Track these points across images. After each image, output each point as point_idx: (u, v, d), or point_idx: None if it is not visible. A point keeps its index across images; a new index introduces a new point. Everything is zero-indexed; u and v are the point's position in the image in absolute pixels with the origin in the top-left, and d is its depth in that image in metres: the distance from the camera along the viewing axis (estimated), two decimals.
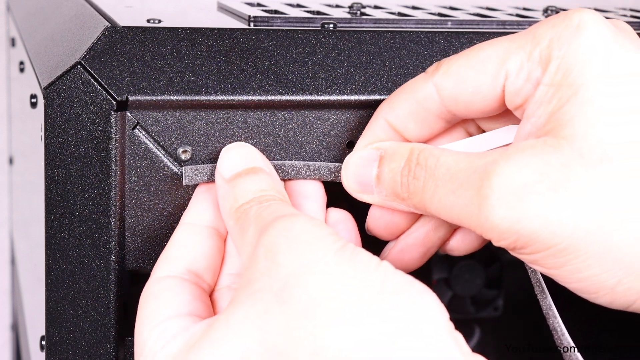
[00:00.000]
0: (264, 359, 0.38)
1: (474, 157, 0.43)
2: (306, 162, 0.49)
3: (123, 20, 0.50)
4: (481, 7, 0.65)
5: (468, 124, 0.49)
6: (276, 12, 0.57)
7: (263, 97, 0.48)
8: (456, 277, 0.78)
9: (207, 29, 0.49)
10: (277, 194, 0.44)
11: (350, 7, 0.59)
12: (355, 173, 0.47)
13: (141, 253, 0.48)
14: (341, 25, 0.52)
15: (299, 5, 0.61)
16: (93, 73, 0.46)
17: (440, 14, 0.60)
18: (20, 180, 0.81)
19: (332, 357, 0.37)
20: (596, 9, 0.65)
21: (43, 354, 0.50)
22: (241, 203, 0.44)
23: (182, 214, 0.48)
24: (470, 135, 0.49)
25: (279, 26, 0.52)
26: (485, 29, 0.55)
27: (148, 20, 0.50)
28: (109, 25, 0.48)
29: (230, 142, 0.48)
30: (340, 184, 0.49)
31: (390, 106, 0.47)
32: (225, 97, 0.47)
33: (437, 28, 0.55)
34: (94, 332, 0.48)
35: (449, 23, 0.56)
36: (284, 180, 0.49)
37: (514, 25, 0.58)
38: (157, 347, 0.42)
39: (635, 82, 0.42)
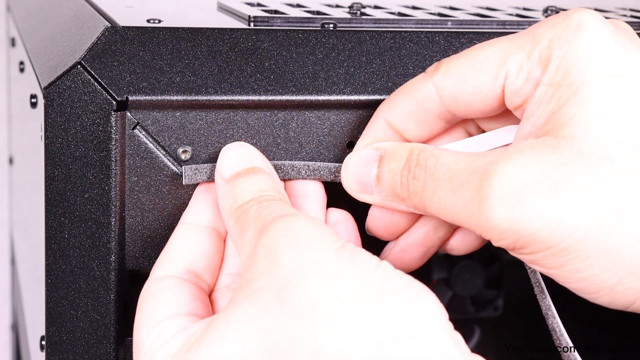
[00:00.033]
0: (263, 359, 0.38)
1: (473, 157, 0.43)
2: (306, 162, 0.49)
3: (123, 20, 0.50)
4: (481, 7, 0.65)
5: (468, 124, 0.49)
6: (276, 12, 0.57)
7: (263, 97, 0.48)
8: (456, 277, 0.78)
9: (207, 29, 0.49)
10: (277, 194, 0.44)
11: (350, 7, 0.59)
12: (355, 173, 0.47)
13: (141, 253, 0.48)
14: (341, 25, 0.52)
15: (299, 5, 0.61)
16: (93, 73, 0.46)
17: (440, 14, 0.60)
18: (20, 180, 0.81)
19: (332, 357, 0.37)
20: (596, 9, 0.65)
21: (43, 354, 0.50)
22: (241, 203, 0.44)
23: (182, 214, 0.48)
24: (470, 135, 0.49)
25: (279, 26, 0.52)
26: (485, 29, 0.55)
27: (148, 20, 0.50)
28: (109, 25, 0.48)
29: (230, 142, 0.48)
30: (340, 184, 0.49)
31: (390, 106, 0.47)
32: (225, 97, 0.47)
33: (437, 28, 0.55)
34: (94, 332, 0.48)
35: (449, 23, 0.56)
36: (284, 180, 0.49)
37: (514, 25, 0.58)
38: (156, 347, 0.42)
39: (635, 82, 0.42)
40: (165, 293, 0.44)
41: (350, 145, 0.50)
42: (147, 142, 0.47)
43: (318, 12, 0.57)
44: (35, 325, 0.60)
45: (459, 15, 0.59)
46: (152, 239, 0.48)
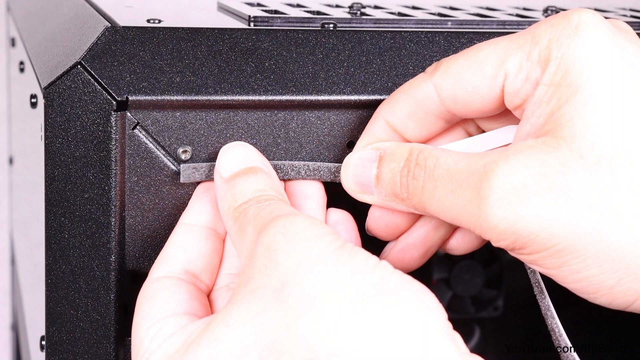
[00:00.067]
0: (262, 357, 0.38)
1: (473, 158, 0.43)
2: (306, 162, 0.49)
3: (123, 20, 0.50)
4: (481, 7, 0.65)
5: (467, 124, 0.49)
6: (276, 12, 0.57)
7: (263, 97, 0.48)
8: (456, 277, 0.78)
9: (207, 29, 0.49)
10: (276, 193, 0.44)
11: (350, 7, 0.59)
12: (354, 173, 0.47)
13: (141, 253, 0.48)
14: (341, 25, 0.52)
15: (299, 5, 0.61)
16: (93, 73, 0.46)
17: (440, 14, 0.60)
18: (20, 180, 0.81)
19: (330, 355, 0.37)
20: (596, 9, 0.65)
21: (43, 354, 0.50)
22: (240, 203, 0.44)
23: (182, 214, 0.48)
24: (470, 135, 0.49)
25: (279, 26, 0.52)
26: (485, 29, 0.55)
27: (148, 20, 0.50)
28: (109, 25, 0.48)
29: (229, 142, 0.48)
30: (340, 184, 0.49)
31: (390, 106, 0.47)
32: (225, 97, 0.47)
33: (437, 28, 0.55)
34: (94, 332, 0.48)
35: (449, 23, 0.56)
36: (283, 180, 0.49)
37: (514, 25, 0.58)
38: (154, 346, 0.42)
39: (634, 82, 0.42)
40: (163, 293, 0.44)
41: (350, 145, 0.50)
42: (147, 142, 0.47)
43: (318, 12, 0.57)
44: (35, 325, 0.60)
45: (459, 15, 0.59)
46: (152, 239, 0.48)
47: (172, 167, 0.47)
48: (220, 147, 0.48)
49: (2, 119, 1.08)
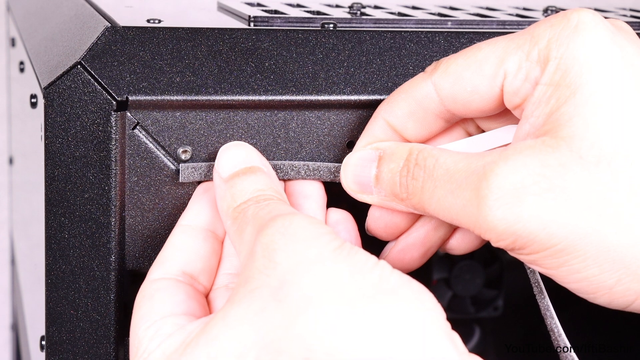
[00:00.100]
0: (260, 356, 0.38)
1: (472, 158, 0.43)
2: (306, 162, 0.49)
3: (123, 20, 0.50)
4: (481, 7, 0.65)
5: (467, 123, 0.49)
6: (276, 12, 0.57)
7: (263, 97, 0.48)
8: (456, 277, 0.78)
9: (207, 29, 0.49)
10: (275, 193, 0.44)
11: (350, 7, 0.59)
12: (354, 173, 0.47)
13: (141, 253, 0.48)
14: (341, 25, 0.52)
15: (299, 5, 0.61)
16: (93, 73, 0.46)
17: (440, 14, 0.60)
18: (20, 180, 0.81)
19: (328, 355, 0.37)
20: (596, 9, 0.65)
21: (43, 354, 0.50)
22: (239, 203, 0.44)
23: (182, 214, 0.48)
24: (470, 135, 0.49)
25: (279, 26, 0.52)
26: (485, 29, 0.55)
27: (148, 20, 0.50)
28: (109, 25, 0.48)
29: (229, 142, 0.48)
30: (340, 184, 0.49)
31: (389, 106, 0.47)
32: (225, 97, 0.47)
33: (437, 28, 0.55)
34: (94, 332, 0.48)
35: (449, 23, 0.56)
36: (283, 180, 0.49)
37: (514, 25, 0.58)
38: (153, 346, 0.42)
39: (634, 82, 0.42)
40: (161, 294, 0.44)
41: (350, 145, 0.50)
42: (147, 142, 0.47)
43: (318, 12, 0.57)
44: (35, 325, 0.60)
45: (459, 15, 0.59)
46: (152, 239, 0.48)
47: (172, 167, 0.47)
48: (220, 147, 0.48)
49: (2, 119, 1.08)
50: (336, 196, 0.49)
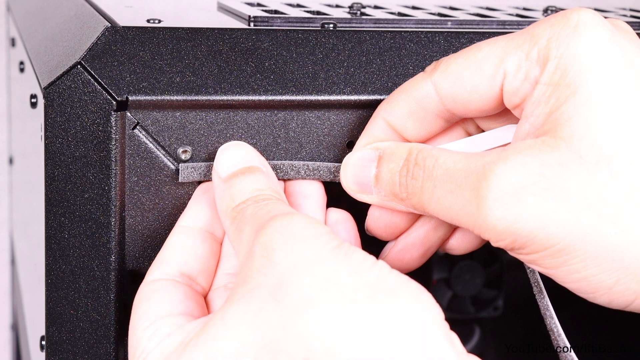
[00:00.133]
0: (259, 356, 0.38)
1: (472, 158, 0.43)
2: (305, 162, 0.49)
3: (123, 20, 0.50)
4: (481, 7, 0.65)
5: (467, 123, 0.49)
6: (276, 12, 0.57)
7: (263, 97, 0.48)
8: (456, 277, 0.78)
9: (207, 29, 0.49)
10: (274, 193, 0.44)
11: (350, 7, 0.59)
12: (353, 173, 0.48)
13: (141, 253, 0.48)
14: (341, 25, 0.52)
15: (299, 5, 0.61)
16: (93, 73, 0.46)
17: (440, 14, 0.60)
18: (20, 180, 0.81)
19: (327, 355, 0.37)
20: (596, 9, 0.65)
21: (43, 354, 0.50)
22: (238, 202, 0.44)
23: (180, 216, 0.48)
24: (469, 134, 0.49)
25: (279, 26, 0.52)
26: (485, 29, 0.55)
27: (148, 20, 0.50)
28: (109, 25, 0.48)
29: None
30: (340, 184, 0.49)
31: (389, 106, 0.47)
32: (225, 97, 0.47)
33: (437, 28, 0.55)
34: (94, 332, 0.48)
35: (449, 23, 0.56)
36: (283, 180, 0.49)
37: (514, 25, 0.58)
38: (151, 346, 0.42)
39: (634, 82, 0.42)
40: (159, 294, 0.44)
41: (350, 145, 0.50)
42: (147, 142, 0.47)
43: (318, 12, 0.57)
44: (35, 325, 0.60)
45: (459, 15, 0.59)
46: (152, 239, 0.48)
47: (172, 167, 0.48)
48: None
49: (2, 119, 1.08)
50: (336, 196, 0.49)
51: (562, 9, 0.63)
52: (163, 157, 0.47)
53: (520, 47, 0.44)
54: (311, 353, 0.37)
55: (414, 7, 0.64)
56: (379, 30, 0.51)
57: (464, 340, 0.80)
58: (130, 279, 0.49)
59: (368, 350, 0.37)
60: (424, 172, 0.45)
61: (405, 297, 0.38)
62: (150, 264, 0.47)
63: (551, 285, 0.46)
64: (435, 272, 0.78)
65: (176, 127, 0.47)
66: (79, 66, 0.46)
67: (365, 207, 0.49)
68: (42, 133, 0.47)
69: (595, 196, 0.41)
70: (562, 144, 0.41)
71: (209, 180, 0.48)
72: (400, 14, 0.59)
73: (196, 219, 0.47)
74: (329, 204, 0.50)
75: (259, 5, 0.60)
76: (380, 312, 0.37)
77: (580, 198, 0.41)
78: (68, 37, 0.52)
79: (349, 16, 0.55)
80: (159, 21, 0.50)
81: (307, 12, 0.58)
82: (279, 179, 0.49)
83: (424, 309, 0.38)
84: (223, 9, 0.60)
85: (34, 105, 0.55)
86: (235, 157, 0.46)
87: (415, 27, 0.54)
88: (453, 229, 0.50)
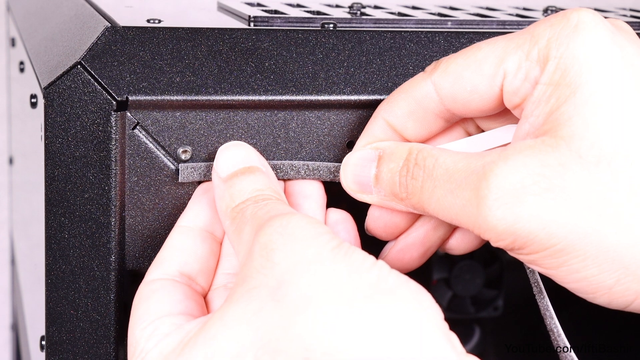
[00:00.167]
0: (258, 356, 0.38)
1: (472, 158, 0.43)
2: (305, 162, 0.49)
3: (123, 20, 0.50)
4: (481, 7, 0.65)
5: (467, 123, 0.49)
6: (276, 12, 0.57)
7: (263, 97, 0.48)
8: (456, 277, 0.78)
9: (207, 29, 0.49)
10: (274, 193, 0.44)
11: (350, 7, 0.59)
12: (353, 173, 0.48)
13: (141, 253, 0.48)
14: (341, 25, 0.52)
15: (299, 5, 0.61)
16: (93, 73, 0.46)
17: (440, 14, 0.60)
18: (20, 180, 0.81)
19: (326, 355, 0.37)
20: (596, 9, 0.65)
21: (43, 354, 0.50)
22: (237, 203, 0.44)
23: (180, 216, 0.48)
24: (469, 134, 0.49)
25: (279, 26, 0.52)
26: (485, 29, 0.55)
27: (148, 20, 0.50)
28: (109, 25, 0.48)
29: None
30: (340, 184, 0.49)
31: (389, 106, 0.47)
32: (225, 97, 0.47)
33: (437, 28, 0.55)
34: (94, 332, 0.48)
35: (449, 23, 0.56)
36: (283, 180, 0.49)
37: (514, 25, 0.58)
38: (150, 345, 0.42)
39: (634, 82, 0.42)
40: (158, 294, 0.44)
41: (350, 145, 0.50)
42: (147, 142, 0.47)
43: (318, 12, 0.57)
44: (35, 325, 0.60)
45: (459, 15, 0.60)
46: (152, 239, 0.48)
47: (172, 167, 0.48)
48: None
49: (2, 119, 1.08)
50: (336, 196, 0.49)
51: (562, 9, 0.63)
52: (163, 157, 0.47)
53: (520, 47, 0.44)
54: (310, 353, 0.37)
55: (414, 7, 0.64)
56: (379, 30, 0.51)
57: (464, 340, 0.80)
58: (130, 279, 0.49)
59: (367, 350, 0.37)
60: (424, 172, 0.45)
61: (405, 297, 0.38)
62: (150, 264, 0.47)
63: (551, 285, 0.46)
64: (435, 272, 0.78)
65: (176, 127, 0.47)
66: (79, 66, 0.46)
67: (365, 207, 0.49)
68: (42, 133, 0.47)
69: (595, 196, 0.41)
70: (562, 144, 0.41)
71: (209, 180, 0.48)
72: (400, 14, 0.59)
73: (196, 219, 0.47)
74: (329, 204, 0.50)
75: (259, 5, 0.60)
76: (379, 312, 0.37)
77: (581, 198, 0.41)
78: (68, 37, 0.52)
79: (349, 16, 0.55)
80: (159, 21, 0.50)
81: (307, 12, 0.58)
82: (279, 179, 0.49)
83: (423, 309, 0.38)
84: (223, 9, 0.60)
85: (34, 105, 0.55)
86: (235, 157, 0.46)
87: (415, 27, 0.54)
88: (453, 228, 0.50)
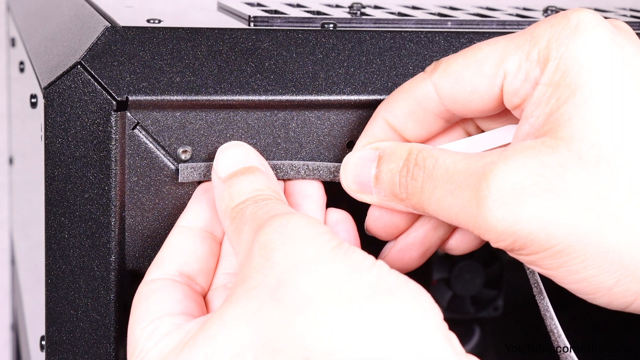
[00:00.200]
0: (258, 356, 0.38)
1: (472, 158, 0.43)
2: (305, 162, 0.49)
3: (123, 20, 0.50)
4: (481, 7, 0.65)
5: (467, 123, 0.49)
6: (276, 12, 0.57)
7: (263, 97, 0.48)
8: (456, 277, 0.78)
9: (207, 29, 0.49)
10: (273, 193, 0.44)
11: (350, 7, 0.59)
12: (353, 173, 0.48)
13: (141, 253, 0.48)
14: (341, 25, 0.52)
15: (299, 5, 0.61)
16: (93, 73, 0.46)
17: (440, 14, 0.60)
18: (20, 180, 0.81)
19: (326, 355, 0.37)
20: (596, 9, 0.65)
21: (43, 354, 0.50)
22: (237, 203, 0.44)
23: (179, 216, 0.48)
24: (469, 134, 0.49)
25: (279, 26, 0.52)
26: (485, 29, 0.55)
27: (148, 20, 0.50)
28: (109, 25, 0.48)
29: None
30: (340, 184, 0.49)
31: (389, 106, 0.47)
32: (225, 97, 0.47)
33: (437, 28, 0.55)
34: (94, 332, 0.48)
35: (449, 23, 0.56)
36: (283, 180, 0.49)
37: (514, 25, 0.58)
38: (149, 345, 0.42)
39: (634, 82, 0.42)
40: (158, 294, 0.44)
41: (350, 145, 0.50)
42: (147, 142, 0.47)
43: (318, 12, 0.57)
44: (35, 325, 0.60)
45: (459, 15, 0.60)
46: (152, 239, 0.48)
47: (172, 167, 0.48)
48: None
49: (2, 119, 1.08)
50: (336, 196, 0.49)
51: (562, 9, 0.63)
52: (163, 157, 0.47)
53: (520, 48, 0.44)
54: (310, 353, 0.37)
55: (414, 7, 0.64)
56: (379, 30, 0.51)
57: (464, 340, 0.80)
58: (130, 279, 0.49)
59: (367, 350, 0.37)
60: (424, 172, 0.45)
61: (404, 297, 0.38)
62: (150, 263, 0.47)
63: (551, 285, 0.46)
64: (435, 272, 0.78)
65: (176, 127, 0.47)
66: (79, 66, 0.46)
67: (365, 207, 0.49)
68: (42, 133, 0.47)
69: (595, 197, 0.41)
70: (562, 145, 0.41)
71: (209, 180, 0.48)
72: (400, 14, 0.59)
73: (196, 219, 0.47)
74: (329, 204, 0.50)
75: (259, 5, 0.60)
76: (379, 312, 0.37)
77: (581, 199, 0.41)
78: (68, 37, 0.52)
79: (349, 16, 0.55)
80: (159, 21, 0.50)
81: (307, 12, 0.58)
82: (278, 179, 0.49)
83: (422, 309, 0.38)
84: (223, 9, 0.60)
85: (34, 105, 0.55)
86: (235, 157, 0.46)
87: (415, 27, 0.54)
88: (453, 229, 0.50)
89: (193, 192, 0.48)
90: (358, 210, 0.49)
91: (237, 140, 0.48)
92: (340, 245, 0.39)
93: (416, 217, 0.50)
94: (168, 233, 0.47)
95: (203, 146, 0.48)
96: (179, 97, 0.46)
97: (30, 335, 0.68)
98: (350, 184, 0.48)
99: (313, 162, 0.49)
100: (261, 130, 0.48)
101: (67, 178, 0.46)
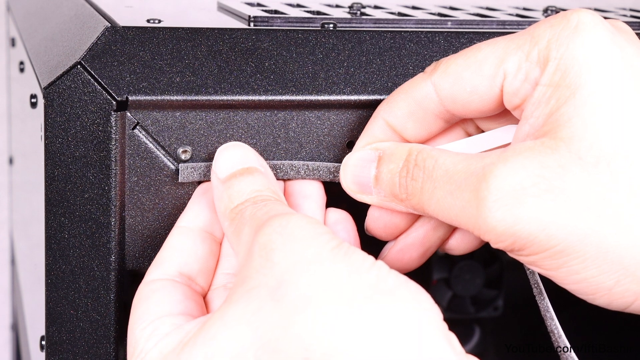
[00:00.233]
0: (257, 356, 0.38)
1: (472, 159, 0.43)
2: (305, 162, 0.49)
3: (123, 20, 0.50)
4: (481, 7, 0.65)
5: (467, 123, 0.49)
6: (276, 12, 0.57)
7: (263, 97, 0.48)
8: (456, 277, 0.78)
9: (207, 29, 0.49)
10: (272, 194, 0.44)
11: (350, 7, 0.59)
12: (353, 173, 0.48)
13: (141, 253, 0.48)
14: (341, 25, 0.52)
15: (299, 5, 0.61)
16: (93, 73, 0.46)
17: (440, 14, 0.60)
18: (20, 180, 0.81)
19: (325, 355, 0.37)
20: (596, 9, 0.65)
21: (43, 354, 0.50)
22: (236, 204, 0.44)
23: (179, 217, 0.48)
24: (469, 135, 0.49)
25: (279, 26, 0.52)
26: (485, 29, 0.55)
27: (148, 20, 0.50)
28: (109, 25, 0.48)
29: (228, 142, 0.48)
30: (340, 184, 0.49)
31: (389, 106, 0.47)
32: (225, 97, 0.47)
33: (437, 28, 0.55)
34: (94, 332, 0.48)
35: (449, 23, 0.56)
36: (283, 180, 0.49)
37: (514, 25, 0.58)
38: (149, 345, 0.42)
39: (633, 83, 0.42)
40: (157, 294, 0.44)
41: (350, 145, 0.50)
42: (147, 142, 0.47)
43: (318, 12, 0.57)
44: (35, 325, 0.60)
45: (459, 15, 0.60)
46: (152, 239, 0.48)
47: (172, 167, 0.48)
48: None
49: (2, 119, 1.08)
50: (336, 196, 0.49)
51: (562, 9, 0.63)
52: (163, 157, 0.47)
53: (520, 48, 0.44)
54: (310, 353, 0.37)
55: (414, 7, 0.64)
56: (379, 30, 0.51)
57: (464, 340, 0.80)
58: (130, 279, 0.49)
59: (366, 350, 0.37)
60: (424, 173, 0.45)
61: (404, 298, 0.38)
62: (150, 264, 0.47)
63: (551, 286, 0.46)
64: (435, 272, 0.78)
65: (176, 127, 0.47)
66: (79, 66, 0.46)
67: (364, 207, 0.49)
68: (42, 133, 0.47)
69: (595, 197, 0.41)
70: (561, 146, 0.41)
71: (209, 180, 0.48)
72: (400, 14, 0.59)
73: (196, 219, 0.47)
74: (329, 204, 0.50)
75: (259, 5, 0.60)
76: (378, 313, 0.37)
77: (580, 199, 0.41)
78: (68, 37, 0.52)
79: (349, 16, 0.55)
80: (159, 21, 0.50)
81: (307, 12, 0.58)
82: (278, 179, 0.49)
83: (422, 309, 0.38)
84: (223, 9, 0.60)
85: (34, 105, 0.55)
86: (234, 158, 0.46)
87: (415, 27, 0.54)
88: (452, 229, 0.50)
89: (193, 192, 0.48)
90: (358, 210, 0.49)
91: (237, 140, 0.48)
92: (340, 246, 0.39)
93: (416, 218, 0.50)
94: (168, 233, 0.47)
95: (203, 146, 0.48)
96: (179, 97, 0.46)
97: (30, 335, 0.68)
98: (350, 185, 0.48)
99: (313, 162, 0.49)
100: (261, 130, 0.48)
101: (67, 178, 0.46)
